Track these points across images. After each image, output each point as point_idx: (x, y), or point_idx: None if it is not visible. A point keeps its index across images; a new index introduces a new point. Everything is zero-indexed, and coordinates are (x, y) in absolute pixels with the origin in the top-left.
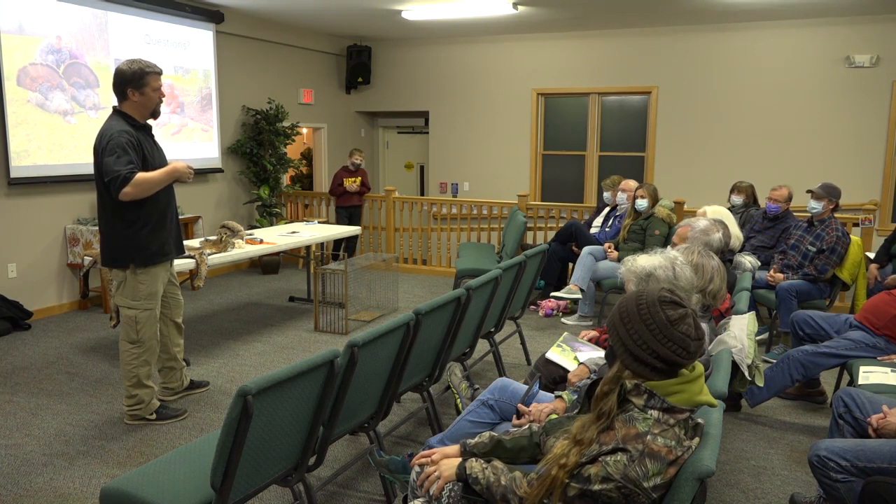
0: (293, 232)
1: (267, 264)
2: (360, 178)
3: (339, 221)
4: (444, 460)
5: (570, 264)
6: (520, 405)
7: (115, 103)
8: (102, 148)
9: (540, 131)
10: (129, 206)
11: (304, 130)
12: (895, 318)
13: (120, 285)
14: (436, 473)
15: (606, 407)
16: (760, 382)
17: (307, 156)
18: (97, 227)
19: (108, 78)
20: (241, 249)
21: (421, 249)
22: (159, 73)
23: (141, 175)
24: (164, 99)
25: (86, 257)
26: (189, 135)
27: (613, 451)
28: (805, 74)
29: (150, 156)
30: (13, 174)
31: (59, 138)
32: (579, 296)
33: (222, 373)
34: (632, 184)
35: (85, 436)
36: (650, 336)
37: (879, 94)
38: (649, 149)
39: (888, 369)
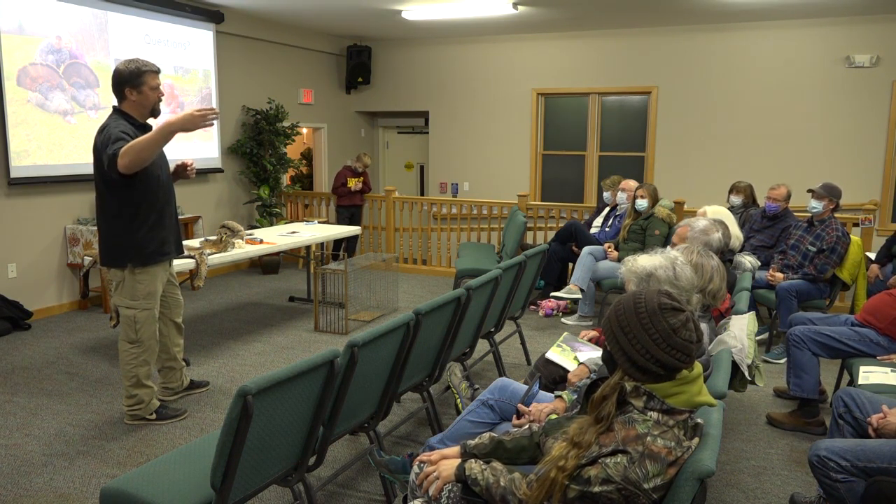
0: (293, 232)
1: (267, 264)
2: (362, 177)
3: (339, 221)
4: (443, 461)
5: (570, 264)
6: (520, 405)
7: (116, 103)
8: (102, 145)
9: (540, 131)
10: (127, 204)
11: (304, 130)
12: None
13: (118, 285)
14: (434, 474)
15: (605, 411)
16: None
17: (307, 156)
18: (97, 227)
19: (109, 78)
20: (241, 249)
21: (421, 249)
22: (157, 71)
23: (129, 144)
24: (163, 98)
25: (86, 257)
26: (189, 135)
27: (613, 453)
28: (805, 74)
29: None
30: (13, 174)
31: (59, 138)
32: (579, 296)
33: (222, 373)
34: (632, 184)
35: (85, 436)
36: (653, 345)
37: (879, 94)
38: (649, 149)
39: (888, 369)
